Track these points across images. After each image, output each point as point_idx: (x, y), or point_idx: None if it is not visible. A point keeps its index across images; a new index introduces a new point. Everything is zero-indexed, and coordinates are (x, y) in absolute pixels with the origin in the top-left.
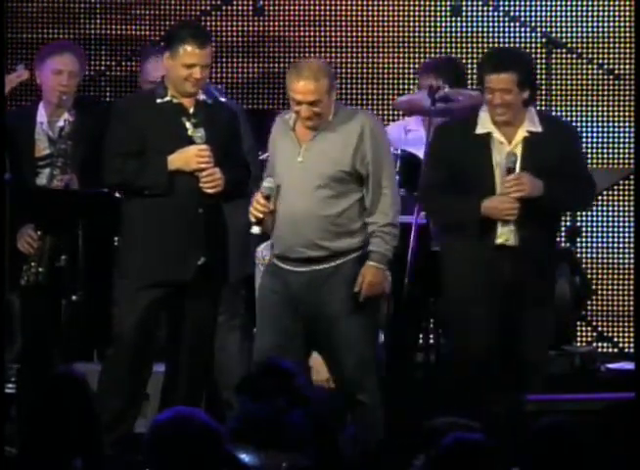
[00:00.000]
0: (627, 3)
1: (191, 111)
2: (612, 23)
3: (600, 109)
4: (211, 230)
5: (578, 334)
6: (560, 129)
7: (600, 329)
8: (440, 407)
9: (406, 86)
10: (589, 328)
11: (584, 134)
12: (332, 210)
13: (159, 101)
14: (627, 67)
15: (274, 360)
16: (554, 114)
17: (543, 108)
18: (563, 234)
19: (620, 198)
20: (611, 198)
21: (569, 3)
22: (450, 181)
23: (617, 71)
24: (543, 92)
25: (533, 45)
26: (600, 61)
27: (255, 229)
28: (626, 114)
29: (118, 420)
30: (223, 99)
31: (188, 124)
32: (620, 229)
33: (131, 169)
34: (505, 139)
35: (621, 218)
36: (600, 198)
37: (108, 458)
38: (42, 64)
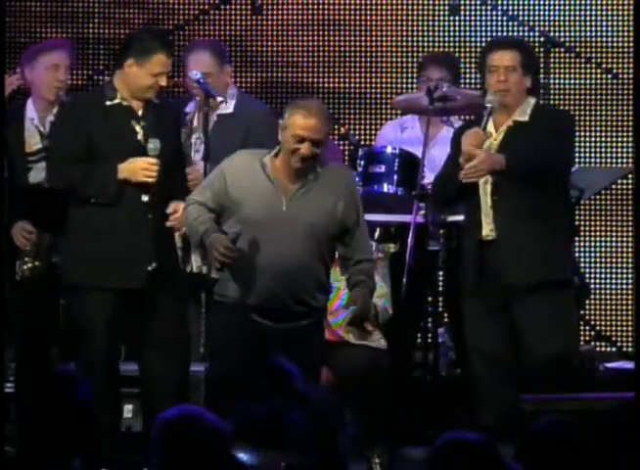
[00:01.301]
0: (625, 2)
1: (140, 113)
2: (610, 22)
3: (598, 108)
4: (162, 235)
5: None
6: (548, 117)
7: (598, 328)
8: (440, 407)
9: (404, 85)
10: (588, 327)
11: (582, 133)
12: (319, 263)
13: (108, 103)
14: (625, 66)
15: (273, 361)
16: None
17: None
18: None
19: (619, 197)
20: (609, 197)
21: (567, 2)
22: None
23: (615, 71)
24: (541, 91)
25: (532, 44)
26: (598, 60)
27: (218, 274)
28: (624, 112)
29: (107, 421)
30: (218, 98)
31: (137, 127)
32: (619, 228)
33: (78, 176)
34: (493, 127)
35: (620, 217)
36: (599, 197)
37: (106, 458)
38: (34, 61)
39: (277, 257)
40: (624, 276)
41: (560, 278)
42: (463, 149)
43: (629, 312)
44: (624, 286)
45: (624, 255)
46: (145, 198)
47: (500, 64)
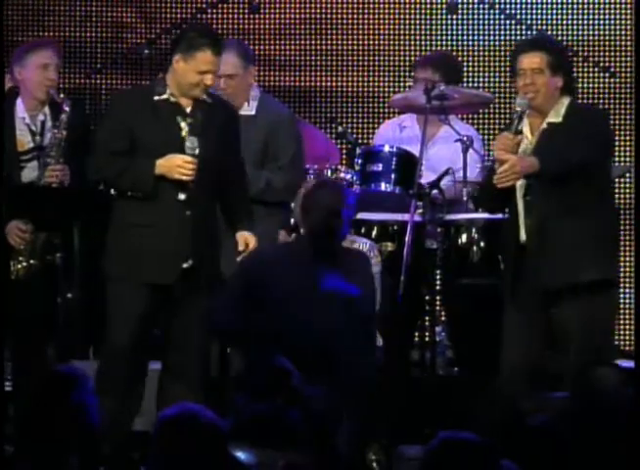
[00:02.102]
0: (623, 0)
1: (188, 110)
2: (607, 21)
3: (596, 106)
4: (200, 233)
5: None
6: (581, 117)
7: None
8: (437, 405)
9: (402, 84)
10: None
11: None
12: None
13: (156, 98)
14: (623, 64)
15: (271, 359)
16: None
17: None
18: None
19: (619, 195)
20: None
21: (564, 1)
22: None
23: (612, 69)
24: None
25: None
26: (595, 58)
27: None
28: (622, 111)
29: (116, 419)
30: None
31: (183, 124)
32: None
33: (117, 169)
34: (529, 131)
35: (619, 215)
36: None
37: (106, 456)
38: (24, 60)
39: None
40: (624, 275)
41: (594, 278)
42: (494, 155)
43: (629, 311)
44: (624, 285)
45: (624, 253)
46: (182, 196)
47: (527, 66)
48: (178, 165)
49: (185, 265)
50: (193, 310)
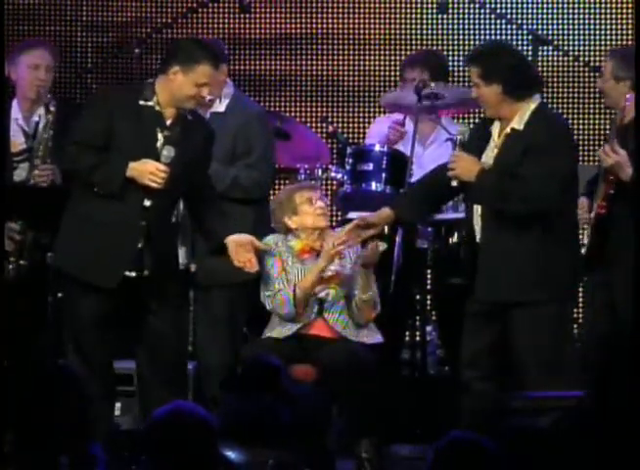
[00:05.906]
0: (613, 0)
1: (168, 122)
2: (598, 20)
3: (586, 106)
4: (160, 241)
5: None
6: (537, 125)
7: None
8: (428, 405)
9: (392, 83)
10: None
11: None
12: None
13: (141, 103)
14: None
15: (260, 357)
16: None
17: None
18: None
19: None
20: None
21: (555, 0)
22: None
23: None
24: None
25: (520, 42)
26: (586, 58)
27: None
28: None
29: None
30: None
31: (160, 135)
32: None
33: (91, 162)
34: (497, 135)
35: None
36: None
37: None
38: (17, 60)
39: None
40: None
41: (538, 298)
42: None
43: None
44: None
45: None
46: (147, 202)
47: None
48: (151, 172)
49: (129, 273)
50: (159, 314)
